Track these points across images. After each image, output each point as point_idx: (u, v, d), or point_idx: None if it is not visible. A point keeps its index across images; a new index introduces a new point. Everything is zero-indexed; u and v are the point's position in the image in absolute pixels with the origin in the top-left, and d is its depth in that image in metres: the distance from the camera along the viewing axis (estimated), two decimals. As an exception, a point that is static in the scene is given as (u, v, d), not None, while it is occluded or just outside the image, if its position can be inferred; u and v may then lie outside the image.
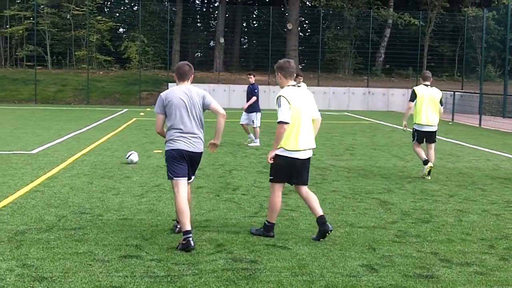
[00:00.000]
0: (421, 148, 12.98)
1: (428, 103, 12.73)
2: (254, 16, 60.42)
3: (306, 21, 55.95)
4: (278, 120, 7.39)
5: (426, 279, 6.22)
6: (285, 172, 7.67)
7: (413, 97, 12.88)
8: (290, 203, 9.63)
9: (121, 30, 53.41)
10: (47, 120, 25.05)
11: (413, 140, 13.15)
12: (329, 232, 7.53)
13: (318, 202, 7.82)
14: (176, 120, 7.44)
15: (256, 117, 17.71)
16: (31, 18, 44.87)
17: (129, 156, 13.64)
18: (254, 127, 17.78)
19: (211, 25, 57.13)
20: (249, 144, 17.58)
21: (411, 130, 13.25)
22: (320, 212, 7.67)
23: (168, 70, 43.08)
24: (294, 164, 7.58)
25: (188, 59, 49.62)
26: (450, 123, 29.28)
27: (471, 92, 36.81)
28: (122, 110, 32.56)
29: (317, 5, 49.51)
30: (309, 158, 7.77)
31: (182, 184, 7.46)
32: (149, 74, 42.66)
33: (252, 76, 17.88)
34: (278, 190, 7.76)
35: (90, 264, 6.41)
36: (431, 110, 12.76)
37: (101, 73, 43.78)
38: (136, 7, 52.58)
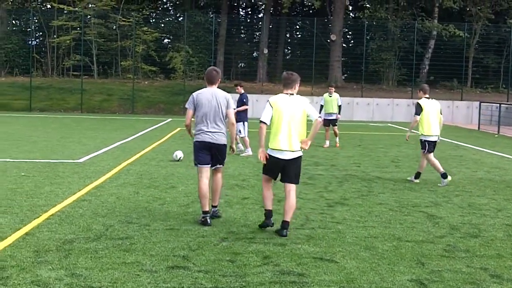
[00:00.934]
0: (436, 159, 13.64)
1: (433, 115, 13.66)
2: (298, 27, 60.45)
3: (350, 32, 55.75)
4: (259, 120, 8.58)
5: (477, 296, 6.12)
6: (269, 168, 8.63)
7: (419, 110, 13.74)
8: (336, 216, 9.58)
9: (166, 40, 53.88)
10: (93, 129, 25.37)
11: (424, 151, 13.59)
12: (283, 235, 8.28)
13: (294, 210, 8.52)
14: (203, 117, 9.00)
15: (244, 127, 17.54)
16: (78, 29, 45.61)
17: (175, 155, 15.74)
18: (241, 137, 17.57)
19: (255, 36, 57.32)
20: (241, 154, 17.29)
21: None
22: (287, 218, 8.41)
23: (212, 80, 43.23)
24: (278, 164, 8.49)
25: (232, 70, 50.26)
26: (496, 135, 28.79)
27: (517, 104, 36.29)
28: (166, 119, 32.82)
29: (361, 16, 49.35)
30: (294, 159, 8.49)
31: (205, 171, 9.06)
32: (193, 84, 42.94)
33: (239, 87, 17.72)
34: (265, 182, 8.77)
35: (138, 275, 6.44)
36: (436, 121, 13.65)
37: (146, 83, 44.23)
38: (181, 18, 53.05)
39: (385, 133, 28.20)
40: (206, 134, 8.96)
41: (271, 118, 8.48)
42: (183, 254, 7.24)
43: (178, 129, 26.12)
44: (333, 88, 21.12)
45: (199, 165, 9.07)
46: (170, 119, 33.06)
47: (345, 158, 17.68)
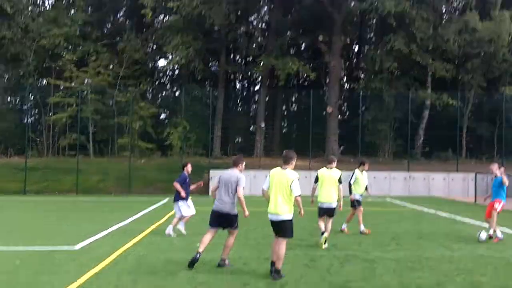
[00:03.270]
0: (322, 222, 15.53)
1: (328, 183, 15.32)
2: (294, 99, 61.07)
3: (345, 104, 56.31)
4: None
5: None
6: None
7: (316, 179, 15.72)
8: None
9: (163, 115, 54.30)
10: (90, 211, 25.25)
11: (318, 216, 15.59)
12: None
13: (282, 256, 11.15)
14: (219, 191, 11.98)
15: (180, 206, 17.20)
16: (75, 105, 45.89)
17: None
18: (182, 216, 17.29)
19: (252, 109, 57.84)
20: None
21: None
22: (277, 266, 11.14)
23: (209, 157, 43.34)
24: (271, 223, 11.30)
25: (229, 145, 50.43)
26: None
27: (512, 175, 36.19)
28: (164, 199, 32.60)
29: (355, 87, 49.94)
30: (278, 221, 11.11)
31: (210, 232, 12.29)
32: (191, 160, 42.95)
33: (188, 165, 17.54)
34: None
35: None
36: (329, 189, 15.27)
37: (142, 161, 44.31)
38: (178, 92, 53.57)
39: (384, 208, 28.10)
40: (217, 204, 12.17)
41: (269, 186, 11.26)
42: None
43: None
44: (365, 165, 18.57)
45: (209, 226, 12.46)
46: (168, 199, 32.86)
47: (345, 236, 17.51)
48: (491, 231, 16.63)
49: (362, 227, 18.04)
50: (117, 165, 42.28)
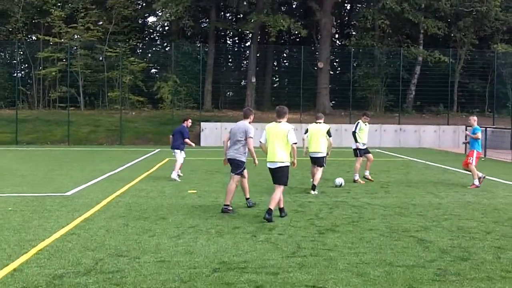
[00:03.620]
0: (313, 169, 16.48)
1: (316, 135, 16.32)
2: (285, 55, 60.77)
3: (337, 60, 56.11)
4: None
5: (470, 320, 6.09)
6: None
7: (306, 131, 16.80)
8: (328, 243, 9.56)
9: (153, 70, 54.03)
10: (81, 161, 25.29)
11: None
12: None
13: (276, 201, 11.73)
14: (230, 141, 12.87)
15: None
16: (64, 60, 45.62)
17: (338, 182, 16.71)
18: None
19: (243, 64, 57.56)
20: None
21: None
22: (270, 206, 11.56)
23: (200, 109, 43.36)
24: (269, 171, 12.08)
25: (220, 99, 50.34)
26: (483, 159, 28.91)
27: (502, 128, 36.69)
28: (154, 150, 32.76)
29: (347, 44, 49.72)
30: (276, 168, 11.85)
31: (231, 177, 12.87)
32: (181, 113, 42.95)
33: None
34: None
35: (130, 307, 6.38)
36: (317, 141, 16.26)
37: (133, 113, 44.24)
38: (168, 47, 53.23)
39: (374, 159, 28.17)
40: (229, 151, 12.92)
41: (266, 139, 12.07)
42: (175, 286, 7.18)
43: (167, 159, 26.06)
44: (368, 118, 19.13)
45: (230, 173, 13.18)
46: (159, 149, 33.00)
47: (335, 184, 17.66)
48: (476, 181, 17.46)
49: (356, 176, 18.54)
50: (108, 117, 42.22)
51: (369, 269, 7.96)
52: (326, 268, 8.03)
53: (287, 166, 11.85)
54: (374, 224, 11.35)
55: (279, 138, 11.78)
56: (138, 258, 8.50)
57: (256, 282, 7.34)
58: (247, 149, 12.72)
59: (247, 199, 13.43)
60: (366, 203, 14.10)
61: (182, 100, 46.56)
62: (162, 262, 8.29)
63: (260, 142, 12.22)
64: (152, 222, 11.35)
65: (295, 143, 11.79)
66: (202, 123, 38.93)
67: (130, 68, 46.33)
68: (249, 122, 12.88)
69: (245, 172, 13.02)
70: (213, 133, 38.71)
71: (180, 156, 18.80)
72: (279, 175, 11.84)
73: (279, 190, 11.79)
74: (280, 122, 11.98)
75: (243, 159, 12.75)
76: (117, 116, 40.84)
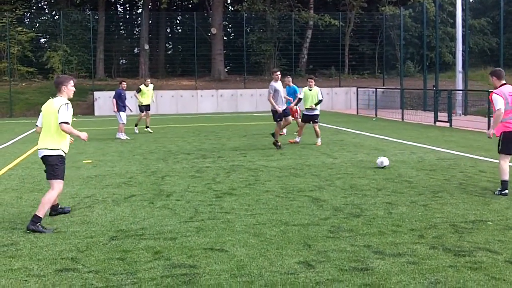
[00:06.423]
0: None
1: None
2: (178, 21, 60.24)
3: (230, 25, 56.11)
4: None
5: (361, 272, 6.34)
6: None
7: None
8: (225, 206, 9.68)
9: (42, 40, 52.32)
10: (-31, 135, 24.38)
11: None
12: None
13: None
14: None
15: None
16: None
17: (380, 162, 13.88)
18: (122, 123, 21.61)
19: (135, 32, 56.68)
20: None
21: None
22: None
23: (93, 78, 42.49)
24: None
25: (113, 67, 49.46)
26: (374, 119, 29.91)
27: (392, 88, 38.07)
28: (47, 121, 31.85)
29: (239, 9, 49.76)
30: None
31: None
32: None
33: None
34: None
35: (26, 280, 6.27)
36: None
37: (23, 84, 42.84)
38: (57, 16, 51.64)
39: (269, 122, 28.55)
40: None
41: None
42: (72, 256, 7.11)
43: (60, 130, 25.41)
44: (313, 81, 19.06)
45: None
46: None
47: (231, 149, 17.85)
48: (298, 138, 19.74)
49: (298, 138, 19.75)
50: (-4, 90, 40.74)
51: (265, 230, 8.14)
52: (223, 231, 8.15)
53: None
54: (270, 185, 11.57)
55: None
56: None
57: (154, 248, 7.37)
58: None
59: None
60: (262, 165, 14.32)
61: (74, 70, 45.45)
62: (58, 233, 8.17)
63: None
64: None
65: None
66: (95, 92, 38.17)
67: (18, 38, 44.66)
68: (275, 81, 17.31)
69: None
70: (107, 102, 37.98)
71: (121, 117, 21.66)
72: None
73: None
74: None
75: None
76: (6, 88, 39.45)
